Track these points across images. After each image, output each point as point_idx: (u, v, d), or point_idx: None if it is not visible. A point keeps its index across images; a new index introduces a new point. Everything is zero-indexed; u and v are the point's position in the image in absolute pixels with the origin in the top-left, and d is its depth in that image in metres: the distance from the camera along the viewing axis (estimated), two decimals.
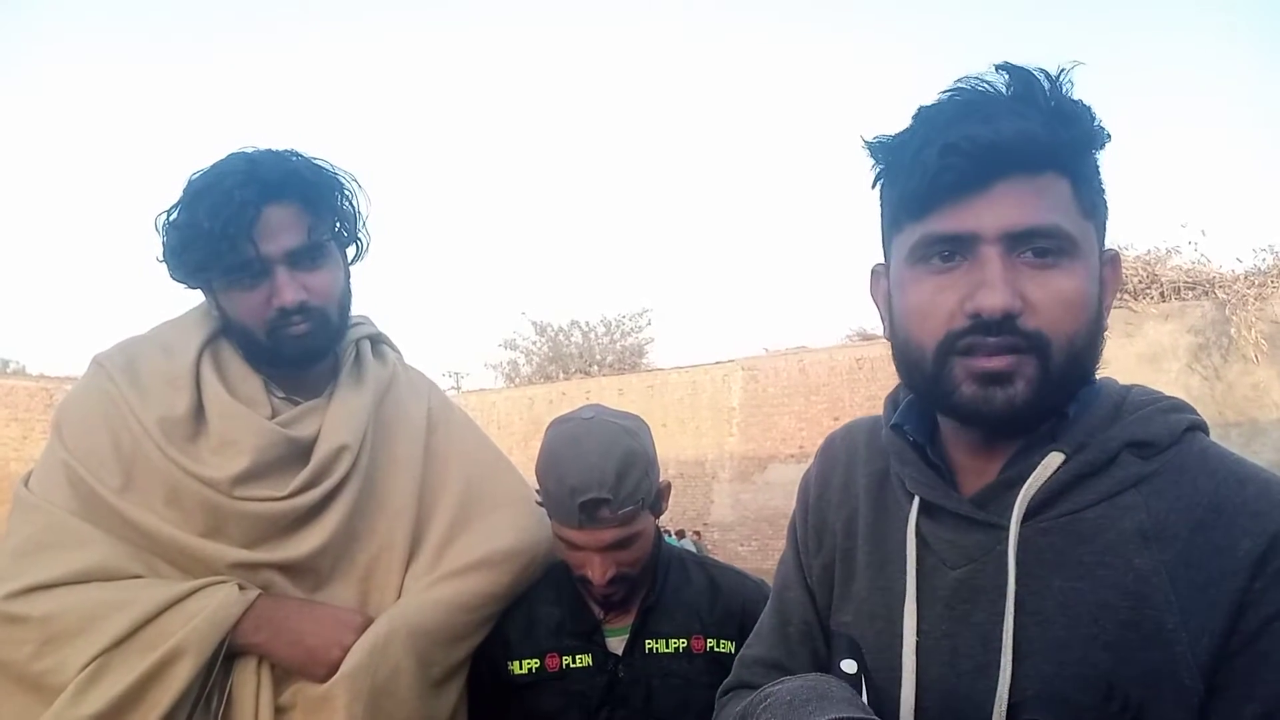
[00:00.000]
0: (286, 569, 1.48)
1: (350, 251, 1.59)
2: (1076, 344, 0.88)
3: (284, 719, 1.42)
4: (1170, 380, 16.47)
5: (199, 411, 1.50)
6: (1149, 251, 18.19)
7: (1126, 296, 17.39)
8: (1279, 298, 16.10)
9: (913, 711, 0.93)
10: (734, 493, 23.23)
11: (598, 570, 1.47)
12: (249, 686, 1.41)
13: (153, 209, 1.50)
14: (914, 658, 0.94)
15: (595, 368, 32.26)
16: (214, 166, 1.47)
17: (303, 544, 1.48)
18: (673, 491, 1.58)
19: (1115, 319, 17.15)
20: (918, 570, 0.96)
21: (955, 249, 0.89)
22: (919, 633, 0.94)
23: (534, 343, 34.91)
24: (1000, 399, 0.87)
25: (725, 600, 1.61)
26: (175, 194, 1.49)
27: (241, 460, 1.45)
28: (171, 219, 1.48)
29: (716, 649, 1.56)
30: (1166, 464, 0.88)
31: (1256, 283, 16.44)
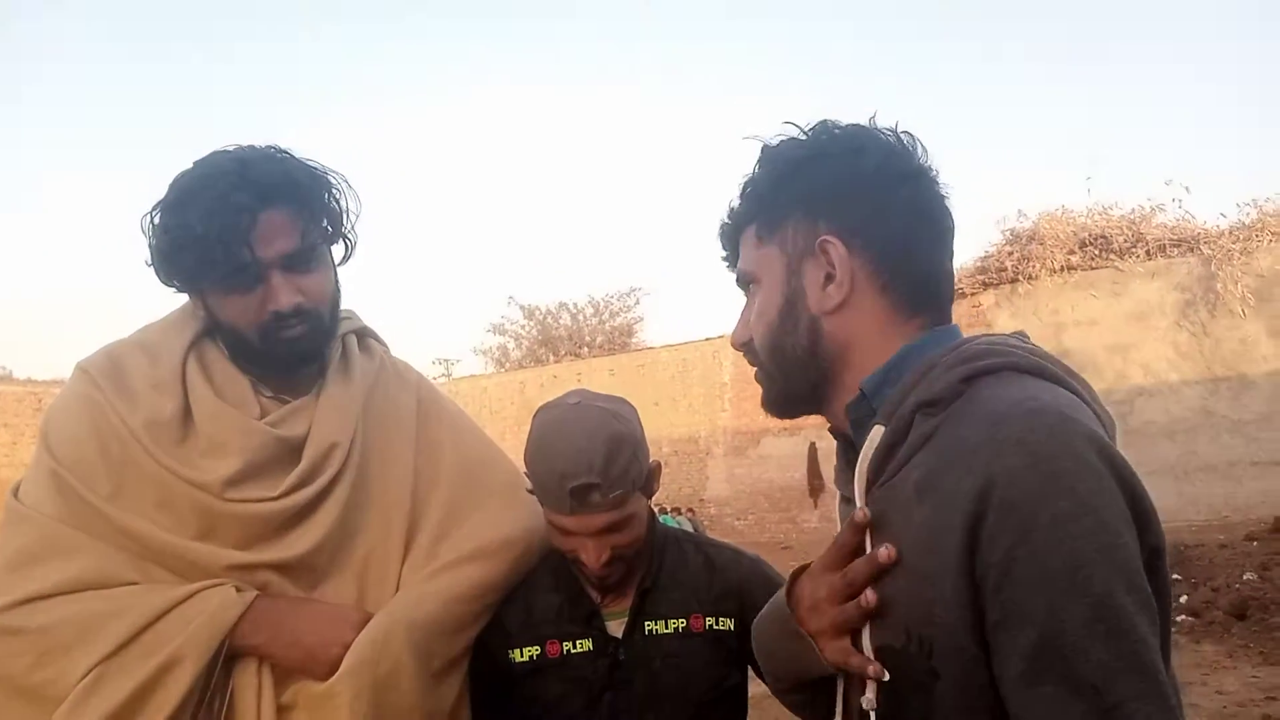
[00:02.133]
0: (283, 568, 1.47)
1: (338, 250, 1.57)
2: (768, 339, 1.11)
3: (287, 718, 1.42)
4: (1158, 337, 16.54)
5: (186, 414, 1.48)
6: (1134, 210, 18.22)
7: (1113, 256, 17.43)
8: (1264, 251, 16.14)
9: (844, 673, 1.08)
10: (729, 468, 23.29)
11: (592, 554, 1.47)
12: (250, 688, 1.40)
13: (137, 211, 1.47)
14: None
15: (585, 349, 32.24)
16: (201, 167, 1.45)
17: (298, 543, 1.47)
18: (668, 469, 1.59)
19: (1102, 279, 17.24)
20: None
21: None
22: None
23: (523, 326, 34.89)
24: (763, 400, 1.17)
25: (722, 578, 1.61)
26: (159, 195, 1.46)
27: (232, 462, 1.44)
28: (159, 222, 1.45)
29: (716, 627, 1.56)
30: (947, 418, 0.94)
31: (1241, 237, 16.48)
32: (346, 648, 1.42)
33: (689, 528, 16.50)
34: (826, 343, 1.07)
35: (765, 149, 1.12)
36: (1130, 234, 17.58)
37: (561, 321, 34.49)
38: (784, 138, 1.11)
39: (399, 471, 1.60)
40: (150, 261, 1.48)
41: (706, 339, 24.11)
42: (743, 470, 23.13)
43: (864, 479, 1.00)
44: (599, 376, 24.01)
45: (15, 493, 1.49)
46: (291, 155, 1.50)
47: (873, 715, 0.96)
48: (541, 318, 34.67)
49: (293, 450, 1.50)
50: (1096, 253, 17.69)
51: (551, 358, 31.43)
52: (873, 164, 1.06)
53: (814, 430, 21.84)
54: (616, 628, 1.56)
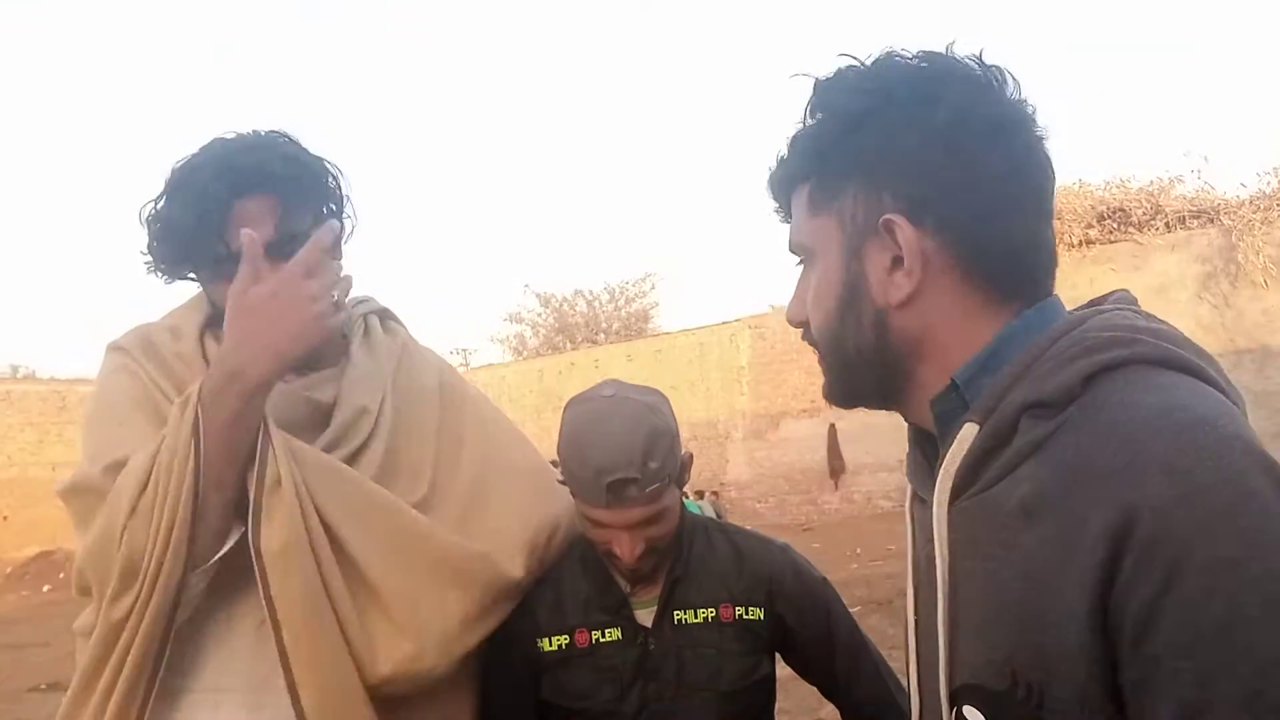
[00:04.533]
0: None
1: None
2: (826, 331, 0.94)
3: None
4: (1179, 311, 16.40)
5: None
6: (1152, 182, 18.05)
7: (1131, 229, 17.28)
8: None
9: (918, 692, 0.96)
10: (748, 451, 23.28)
11: (626, 547, 1.46)
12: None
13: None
14: (914, 637, 0.97)
15: (602, 335, 32.28)
16: (191, 158, 1.47)
17: None
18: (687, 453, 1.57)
19: (1121, 252, 17.10)
20: (915, 554, 0.98)
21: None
22: (916, 613, 0.97)
23: (539, 315, 34.99)
24: (824, 391, 1.00)
25: (751, 567, 1.60)
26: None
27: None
28: (153, 212, 1.47)
29: (745, 616, 1.55)
30: (1064, 423, 0.77)
31: (1262, 207, 16.30)
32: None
33: (710, 511, 16.53)
34: (895, 339, 0.90)
35: (820, 89, 0.92)
36: (1149, 206, 17.43)
37: (578, 309, 34.54)
38: (843, 71, 0.92)
39: (422, 450, 1.59)
40: (146, 251, 1.50)
41: (723, 322, 24.08)
42: (763, 453, 23.12)
43: (949, 485, 0.84)
44: (616, 363, 24.02)
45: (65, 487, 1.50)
46: (280, 142, 1.50)
47: None
48: (558, 305, 34.75)
49: (323, 415, 1.51)
50: (1115, 226, 17.55)
51: (568, 345, 31.49)
52: (947, 117, 0.86)
53: (833, 412, 21.78)
54: (645, 617, 1.55)
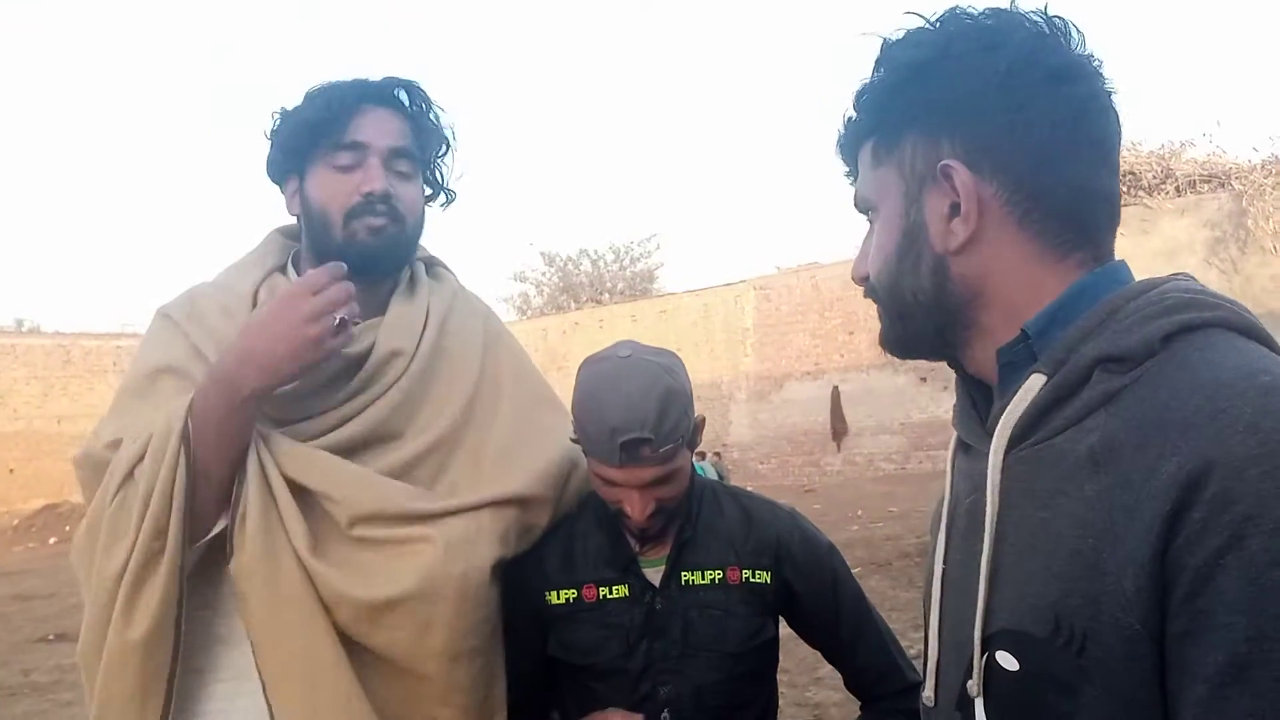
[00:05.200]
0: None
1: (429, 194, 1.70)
2: (884, 277, 0.96)
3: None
4: None
5: None
6: (1163, 146, 17.95)
7: (1141, 193, 17.18)
8: None
9: (937, 641, 0.96)
10: (752, 412, 23.37)
11: (637, 506, 1.47)
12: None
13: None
14: (940, 588, 0.96)
15: (606, 295, 32.27)
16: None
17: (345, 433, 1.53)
18: None
19: (1130, 216, 16.99)
20: (952, 503, 0.98)
21: None
22: (946, 563, 0.97)
23: (544, 274, 35.03)
24: (880, 339, 1.01)
25: (759, 531, 1.61)
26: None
27: (298, 382, 1.49)
28: (285, 111, 1.60)
29: (752, 579, 1.56)
30: (1140, 378, 0.79)
31: (1274, 172, 16.20)
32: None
33: (713, 472, 16.61)
34: (955, 286, 0.91)
35: (884, 48, 0.94)
36: (1159, 170, 17.34)
37: (582, 268, 34.55)
38: (909, 32, 0.93)
39: (456, 387, 1.63)
40: (269, 136, 1.60)
41: (728, 284, 24.07)
42: (766, 414, 23.20)
43: (1008, 433, 0.85)
44: (620, 323, 24.02)
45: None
46: (412, 82, 1.64)
47: (978, 705, 0.84)
48: (562, 265, 34.72)
49: (357, 366, 1.55)
50: (1124, 190, 17.41)
51: (573, 305, 31.51)
52: (1007, 63, 0.87)
53: (837, 374, 21.84)
54: (653, 576, 1.56)
